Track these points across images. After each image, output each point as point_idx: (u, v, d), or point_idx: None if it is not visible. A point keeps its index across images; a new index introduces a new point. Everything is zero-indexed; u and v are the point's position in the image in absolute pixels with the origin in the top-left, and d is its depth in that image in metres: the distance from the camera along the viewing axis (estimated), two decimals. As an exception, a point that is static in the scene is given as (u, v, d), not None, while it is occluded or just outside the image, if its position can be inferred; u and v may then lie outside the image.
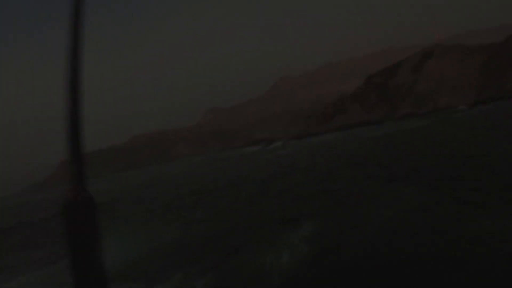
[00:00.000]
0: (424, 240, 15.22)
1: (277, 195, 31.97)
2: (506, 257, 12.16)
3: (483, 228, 14.56)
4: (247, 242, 20.47)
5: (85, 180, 1.74)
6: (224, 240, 22.17)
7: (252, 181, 45.02)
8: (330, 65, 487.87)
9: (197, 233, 25.41)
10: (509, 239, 13.25)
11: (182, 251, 22.15)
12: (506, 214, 15.18)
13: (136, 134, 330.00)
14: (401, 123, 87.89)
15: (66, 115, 1.70)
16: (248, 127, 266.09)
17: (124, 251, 24.25)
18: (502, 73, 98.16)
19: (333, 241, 17.57)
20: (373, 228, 18.01)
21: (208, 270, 18.18)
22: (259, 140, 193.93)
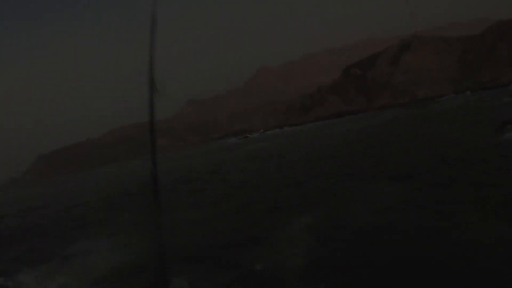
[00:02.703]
0: (399, 238, 15.14)
1: (255, 189, 31.70)
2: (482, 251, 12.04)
3: (460, 224, 14.48)
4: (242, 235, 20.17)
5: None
6: (221, 234, 21.84)
7: (229, 173, 44.68)
8: (309, 56, 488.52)
9: (195, 229, 24.98)
10: (484, 235, 13.19)
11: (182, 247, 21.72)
12: (478, 209, 15.17)
13: (113, 128, 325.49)
14: (379, 114, 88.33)
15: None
16: (227, 119, 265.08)
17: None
18: (479, 65, 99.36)
19: (320, 234, 17.36)
20: (353, 225, 17.82)
21: (214, 265, 17.81)
22: (238, 132, 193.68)
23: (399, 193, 20.78)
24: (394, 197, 20.31)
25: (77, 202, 54.36)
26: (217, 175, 43.82)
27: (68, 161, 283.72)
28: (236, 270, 16.90)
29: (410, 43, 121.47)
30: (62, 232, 34.16)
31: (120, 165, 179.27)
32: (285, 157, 47.06)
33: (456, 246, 13.36)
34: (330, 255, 15.57)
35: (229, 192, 33.94)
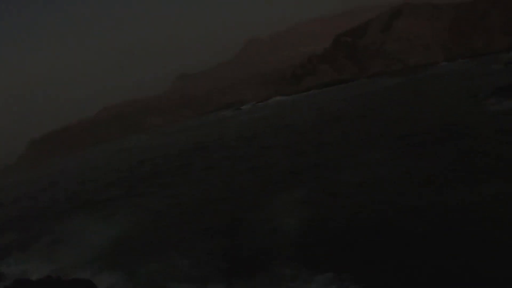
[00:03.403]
0: (392, 203, 15.60)
1: (251, 162, 32.08)
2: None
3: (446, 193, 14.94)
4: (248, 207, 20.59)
5: None
6: (226, 203, 22.29)
7: (226, 145, 44.92)
8: (298, 25, 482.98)
9: (198, 199, 25.44)
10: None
11: (185, 218, 22.24)
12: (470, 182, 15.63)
13: (105, 107, 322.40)
14: (371, 82, 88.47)
15: None
16: (218, 92, 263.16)
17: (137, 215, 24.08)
18: (471, 32, 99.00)
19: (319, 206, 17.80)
20: (350, 192, 18.23)
21: (218, 233, 18.32)
22: (230, 104, 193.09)
23: (390, 161, 21.26)
24: (385, 165, 20.79)
25: (67, 185, 54.99)
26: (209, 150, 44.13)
27: (60, 144, 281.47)
28: (231, 239, 17.42)
29: (401, 10, 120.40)
30: (59, 213, 34.84)
31: (112, 144, 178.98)
32: (278, 129, 47.32)
33: (445, 210, 13.86)
34: (321, 225, 16.08)
35: (217, 164, 34.41)
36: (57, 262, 20.55)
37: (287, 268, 13.20)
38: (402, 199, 16.34)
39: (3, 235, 31.63)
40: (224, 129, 72.84)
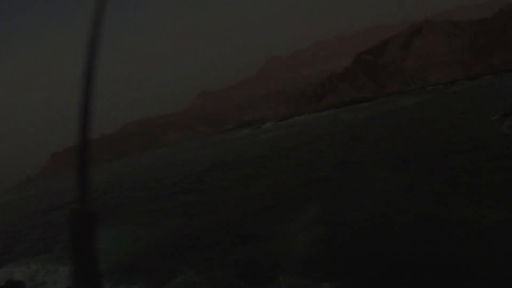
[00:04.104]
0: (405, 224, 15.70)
1: (269, 178, 32.35)
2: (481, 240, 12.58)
3: (465, 214, 14.99)
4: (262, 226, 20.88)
5: (89, 192, 1.90)
6: (239, 223, 22.60)
7: (244, 164, 45.29)
8: (318, 44, 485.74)
9: (209, 219, 25.82)
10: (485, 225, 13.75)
11: (197, 237, 22.59)
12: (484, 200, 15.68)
13: (127, 122, 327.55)
14: (391, 102, 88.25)
15: (78, 128, 1.87)
16: (238, 109, 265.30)
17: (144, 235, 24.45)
18: (490, 49, 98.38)
19: (330, 224, 17.97)
20: (364, 214, 18.35)
21: (232, 249, 18.61)
22: (250, 122, 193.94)
23: (403, 182, 21.34)
24: (399, 185, 20.88)
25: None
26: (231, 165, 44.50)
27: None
28: (245, 254, 17.66)
29: (421, 28, 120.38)
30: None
31: (132, 159, 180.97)
32: (297, 148, 47.61)
33: (456, 233, 13.95)
34: (334, 245, 16.21)
35: (236, 182, 34.71)
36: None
37: (298, 279, 13.49)
38: (416, 219, 16.53)
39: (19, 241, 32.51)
40: (243, 147, 73.40)
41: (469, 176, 19.13)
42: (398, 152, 29.01)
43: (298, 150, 45.93)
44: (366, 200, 19.79)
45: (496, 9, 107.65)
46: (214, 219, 24.70)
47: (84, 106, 1.87)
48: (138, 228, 28.00)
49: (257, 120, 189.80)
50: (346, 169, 28.32)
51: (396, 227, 15.68)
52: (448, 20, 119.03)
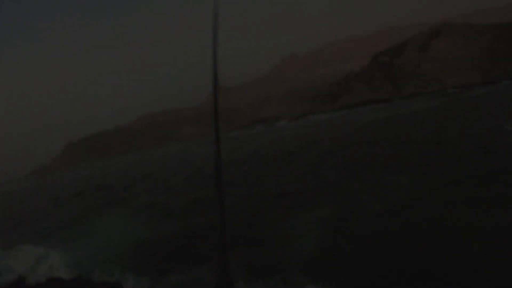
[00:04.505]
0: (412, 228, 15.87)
1: (283, 176, 32.60)
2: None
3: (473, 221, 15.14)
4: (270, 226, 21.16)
5: None
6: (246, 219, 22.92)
7: (256, 162, 45.55)
8: (334, 44, 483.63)
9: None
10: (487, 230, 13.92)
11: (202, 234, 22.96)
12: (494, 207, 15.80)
13: (142, 115, 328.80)
14: (407, 104, 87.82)
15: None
16: (253, 106, 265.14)
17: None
18: (508, 54, 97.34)
19: (341, 225, 18.17)
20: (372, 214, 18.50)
21: (237, 245, 18.94)
22: (264, 120, 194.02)
23: (413, 187, 21.43)
24: (409, 190, 20.98)
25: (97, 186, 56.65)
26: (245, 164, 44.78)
27: (96, 148, 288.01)
28: (249, 251, 17.97)
29: (440, 30, 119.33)
30: (90, 209, 36.47)
31: (146, 152, 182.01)
32: (310, 147, 47.70)
33: (462, 237, 14.14)
34: (339, 247, 16.43)
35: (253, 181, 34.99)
36: (82, 257, 21.86)
37: (298, 277, 13.93)
38: (422, 221, 16.71)
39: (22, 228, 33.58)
40: (256, 145, 73.55)
41: (478, 184, 19.21)
42: (410, 157, 29.13)
43: (311, 150, 46.09)
44: (375, 204, 19.96)
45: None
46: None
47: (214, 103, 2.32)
48: (147, 220, 28.63)
49: (272, 118, 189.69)
50: (357, 171, 28.46)
51: (403, 231, 15.88)
52: (467, 22, 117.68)
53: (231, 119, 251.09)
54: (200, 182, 39.96)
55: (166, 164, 74.19)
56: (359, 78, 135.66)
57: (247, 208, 25.72)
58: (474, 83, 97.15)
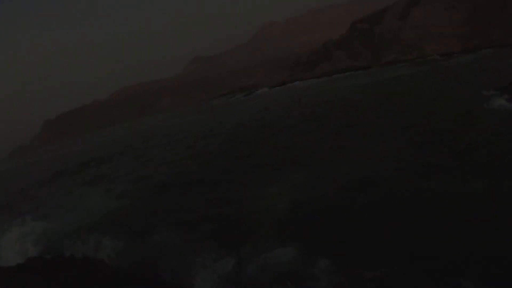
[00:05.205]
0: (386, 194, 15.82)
1: (261, 143, 32.38)
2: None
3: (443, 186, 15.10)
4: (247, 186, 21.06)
5: None
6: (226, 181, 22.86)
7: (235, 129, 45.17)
8: (314, 11, 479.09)
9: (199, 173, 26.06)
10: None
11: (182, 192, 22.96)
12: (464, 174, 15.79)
13: (119, 88, 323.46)
14: (385, 71, 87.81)
15: None
16: (233, 75, 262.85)
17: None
18: (488, 23, 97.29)
19: (316, 189, 18.07)
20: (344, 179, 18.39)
21: (211, 209, 18.83)
22: (244, 88, 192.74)
23: (391, 153, 21.36)
24: (386, 156, 20.89)
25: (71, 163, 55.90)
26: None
27: (74, 124, 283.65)
28: (222, 216, 17.93)
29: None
30: (64, 185, 36.13)
31: (125, 125, 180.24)
32: (287, 115, 47.39)
33: (440, 204, 14.10)
34: (309, 211, 16.44)
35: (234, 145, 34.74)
36: (61, 224, 21.91)
37: (266, 242, 14.02)
38: (398, 188, 16.67)
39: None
40: (235, 113, 73.02)
41: (455, 150, 19.16)
42: (389, 124, 29.01)
43: (289, 116, 45.78)
44: (352, 169, 19.83)
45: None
46: (198, 181, 24.86)
47: None
48: (124, 188, 28.45)
49: (251, 85, 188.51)
50: (337, 137, 28.29)
51: (377, 196, 15.77)
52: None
53: (210, 89, 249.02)
54: (175, 155, 39.52)
55: (144, 136, 73.29)
56: (338, 45, 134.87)
57: (222, 171, 25.84)
58: (454, 51, 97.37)
